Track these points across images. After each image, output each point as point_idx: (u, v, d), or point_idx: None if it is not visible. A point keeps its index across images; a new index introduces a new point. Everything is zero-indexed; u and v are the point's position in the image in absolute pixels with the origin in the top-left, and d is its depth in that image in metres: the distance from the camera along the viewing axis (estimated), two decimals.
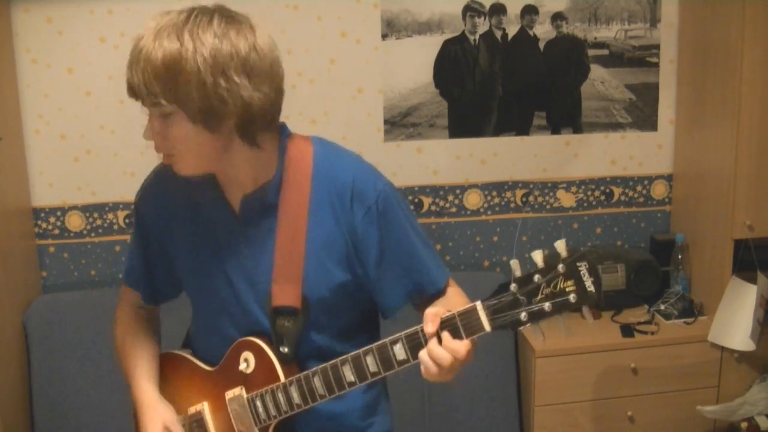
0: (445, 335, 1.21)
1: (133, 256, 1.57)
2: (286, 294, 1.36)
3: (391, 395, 1.59)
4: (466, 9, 2.68)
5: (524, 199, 2.85)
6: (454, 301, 1.39)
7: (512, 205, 2.85)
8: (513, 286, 1.17)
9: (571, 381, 2.49)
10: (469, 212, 2.83)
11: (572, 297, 1.14)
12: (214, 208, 1.40)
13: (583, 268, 1.13)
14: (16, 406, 2.45)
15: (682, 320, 2.62)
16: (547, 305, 1.15)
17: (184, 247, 1.46)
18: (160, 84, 1.20)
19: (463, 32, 2.70)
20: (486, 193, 2.83)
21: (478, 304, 1.19)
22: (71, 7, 2.53)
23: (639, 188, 2.90)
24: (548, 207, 2.87)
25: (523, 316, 1.17)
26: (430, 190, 2.79)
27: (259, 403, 1.40)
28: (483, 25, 2.70)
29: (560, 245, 1.14)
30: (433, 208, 2.80)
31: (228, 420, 1.45)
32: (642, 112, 2.84)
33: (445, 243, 2.83)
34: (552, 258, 1.16)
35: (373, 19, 2.65)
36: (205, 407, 1.48)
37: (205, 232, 1.42)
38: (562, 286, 1.14)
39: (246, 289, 1.40)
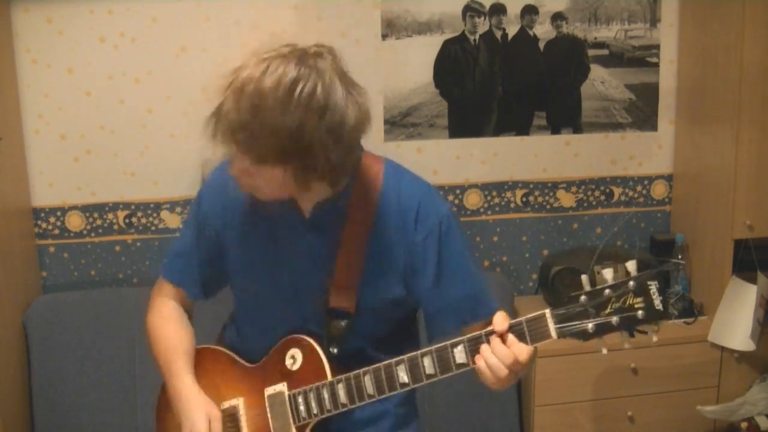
0: (511, 337, 1.24)
1: (185, 249, 1.56)
2: (342, 298, 1.39)
3: None
4: (466, 9, 2.68)
5: (524, 199, 2.85)
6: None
7: (512, 205, 2.85)
8: (583, 298, 1.20)
9: (571, 381, 2.49)
10: (469, 212, 2.83)
11: (640, 313, 1.19)
12: (284, 210, 1.41)
13: (653, 286, 1.18)
14: (16, 406, 2.45)
15: (682, 320, 2.62)
16: (615, 319, 1.20)
17: (243, 241, 1.47)
18: (276, 150, 1.21)
19: (463, 32, 2.70)
20: (486, 193, 2.83)
21: (547, 312, 1.23)
22: (71, 7, 2.53)
23: (639, 188, 2.90)
24: (548, 207, 2.87)
25: (590, 327, 1.21)
26: None
27: (301, 400, 1.41)
28: (483, 25, 2.70)
29: (630, 265, 1.19)
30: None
31: (263, 417, 1.45)
32: (642, 112, 2.84)
33: None
34: (623, 275, 1.20)
35: (373, 19, 2.65)
36: (240, 403, 1.48)
37: (269, 231, 1.44)
38: (631, 302, 1.19)
39: (304, 290, 1.43)
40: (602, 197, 2.88)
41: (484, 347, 1.25)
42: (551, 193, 2.86)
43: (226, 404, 1.50)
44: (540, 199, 2.86)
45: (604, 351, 1.25)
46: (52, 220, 2.67)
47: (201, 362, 1.54)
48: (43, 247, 2.68)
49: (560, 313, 1.21)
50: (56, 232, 2.68)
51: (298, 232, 1.42)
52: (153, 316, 1.58)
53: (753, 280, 2.49)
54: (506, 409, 2.61)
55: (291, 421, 1.41)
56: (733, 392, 2.55)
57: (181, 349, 1.53)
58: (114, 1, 2.54)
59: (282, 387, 1.43)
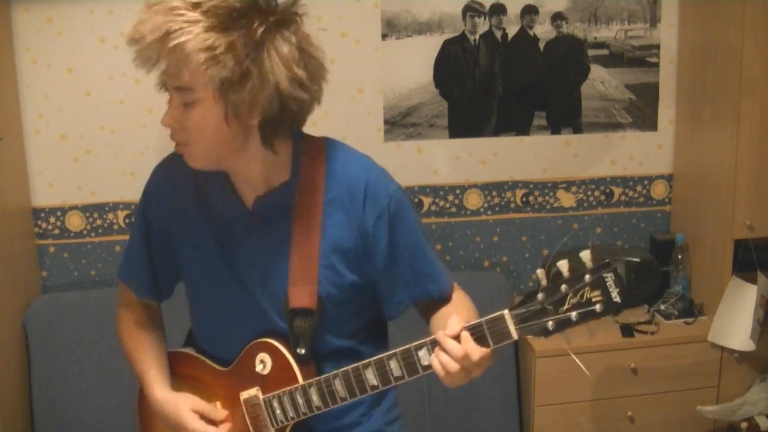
0: (464, 334, 1.22)
1: (134, 247, 1.52)
2: (302, 295, 1.36)
3: None
4: (466, 9, 2.68)
5: (524, 199, 2.85)
6: (462, 307, 1.41)
7: (512, 205, 2.85)
8: (540, 296, 1.19)
9: (571, 381, 2.49)
10: (469, 212, 2.83)
11: (598, 307, 1.16)
12: (227, 206, 1.40)
13: (609, 278, 1.15)
14: (16, 406, 2.45)
15: (682, 320, 2.62)
16: (573, 314, 1.18)
17: (192, 241, 1.44)
18: (197, 69, 1.18)
19: (463, 32, 2.70)
20: (486, 193, 2.83)
21: (506, 313, 1.21)
22: (71, 7, 2.53)
23: (639, 188, 2.90)
24: (548, 207, 2.87)
25: (550, 324, 1.19)
26: (430, 190, 2.79)
27: (276, 405, 1.40)
28: (483, 25, 2.70)
29: (586, 255, 1.17)
30: (433, 208, 2.80)
31: (241, 420, 1.44)
32: (642, 112, 2.84)
33: (445, 243, 2.83)
34: (578, 267, 1.18)
35: (373, 19, 2.65)
36: (217, 407, 1.48)
37: (217, 230, 1.41)
38: (588, 296, 1.17)
39: (261, 291, 1.40)
40: (602, 197, 2.88)
41: (438, 347, 1.24)
42: (551, 193, 2.86)
43: None
44: (540, 199, 2.86)
45: (566, 344, 1.24)
46: (52, 220, 2.67)
47: (174, 367, 1.53)
48: (43, 247, 2.68)
49: (519, 313, 1.20)
50: (56, 232, 2.68)
51: (247, 232, 1.39)
52: (120, 327, 1.57)
53: (753, 280, 2.49)
54: (506, 409, 2.61)
55: (269, 424, 1.41)
56: (733, 392, 2.55)
57: (153, 358, 1.51)
58: (114, 1, 2.54)
59: (256, 391, 1.42)
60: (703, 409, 2.50)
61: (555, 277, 1.19)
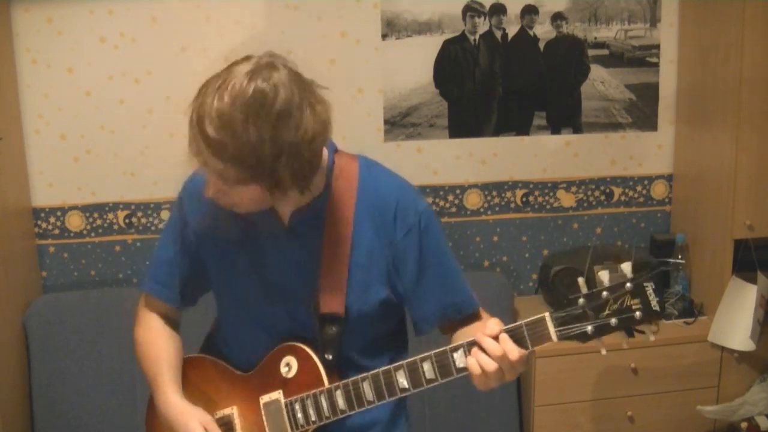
0: (503, 335, 1.25)
1: (166, 256, 1.52)
2: (332, 302, 1.39)
3: None
4: (466, 9, 2.68)
5: (524, 199, 2.85)
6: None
7: (512, 205, 2.85)
8: (581, 301, 1.23)
9: (571, 381, 2.49)
10: (469, 212, 2.83)
11: (638, 314, 1.22)
12: (261, 216, 1.40)
13: (649, 288, 1.22)
14: (16, 406, 2.45)
15: (682, 320, 2.62)
16: (613, 320, 1.23)
17: (224, 249, 1.45)
18: (242, 171, 1.20)
19: (463, 32, 2.70)
20: (486, 193, 2.83)
21: (547, 315, 1.25)
22: (71, 7, 2.53)
23: (639, 188, 2.90)
24: (548, 207, 2.87)
25: (589, 329, 1.24)
26: (430, 190, 2.79)
27: (298, 407, 1.40)
28: (483, 25, 2.70)
29: (626, 267, 1.22)
30: (433, 208, 2.80)
31: (258, 425, 1.44)
32: (642, 112, 2.84)
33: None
34: (619, 277, 1.23)
35: (373, 19, 2.65)
36: (234, 411, 1.47)
37: (249, 238, 1.42)
38: (628, 303, 1.22)
39: (291, 297, 1.42)
40: (602, 197, 2.88)
41: (476, 347, 1.26)
42: (551, 193, 2.86)
43: (220, 413, 1.49)
44: (540, 199, 2.86)
45: (604, 352, 1.28)
46: (52, 220, 2.67)
47: (190, 372, 1.53)
48: (43, 247, 2.68)
49: (560, 316, 1.24)
50: (56, 232, 2.68)
51: (280, 240, 1.41)
52: (139, 330, 1.56)
53: (753, 280, 2.49)
54: (506, 409, 2.61)
55: (288, 428, 1.41)
56: (733, 392, 2.55)
57: (167, 363, 1.50)
58: (114, 1, 2.54)
59: (278, 395, 1.42)
60: (703, 409, 2.50)
61: (596, 285, 1.24)
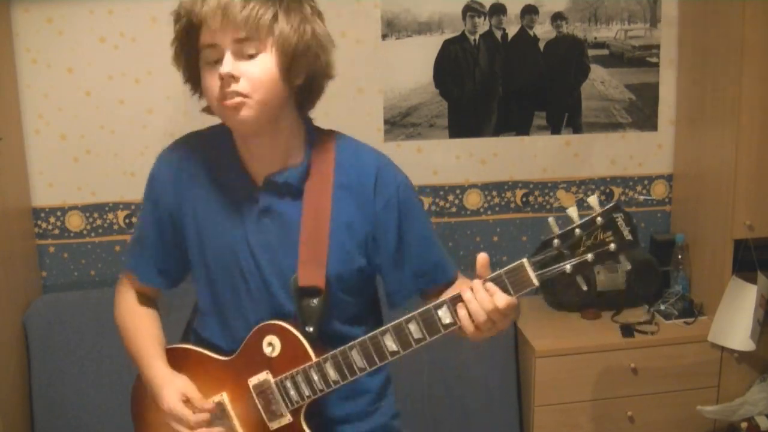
0: (490, 284, 1.26)
1: (140, 234, 1.53)
2: (311, 274, 1.39)
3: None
4: (466, 9, 2.68)
5: (524, 199, 2.85)
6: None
7: (512, 205, 2.85)
8: (556, 242, 1.24)
9: (571, 381, 2.49)
10: (469, 212, 2.83)
11: (612, 246, 1.23)
12: (237, 187, 1.42)
13: (619, 218, 1.23)
14: (16, 406, 2.45)
15: (682, 320, 2.62)
16: (589, 256, 1.23)
17: (202, 226, 1.45)
18: (264, 23, 1.27)
19: (463, 32, 2.70)
20: (486, 193, 2.83)
21: (525, 261, 1.26)
22: (71, 7, 2.53)
23: (639, 188, 2.90)
24: (548, 207, 2.87)
25: (568, 268, 1.24)
26: (430, 190, 2.79)
27: (290, 385, 1.40)
28: (483, 25, 2.70)
29: (593, 200, 1.23)
30: (433, 208, 2.80)
31: (251, 407, 1.44)
32: (642, 112, 2.84)
33: (445, 243, 2.82)
34: (587, 213, 1.24)
35: (373, 19, 2.65)
36: (224, 397, 1.47)
37: (227, 213, 1.43)
38: (601, 237, 1.23)
39: (270, 271, 1.42)
40: (602, 197, 2.88)
41: (467, 294, 1.27)
42: (551, 193, 2.86)
43: (211, 401, 1.47)
44: (540, 199, 2.86)
45: (585, 288, 1.30)
46: (52, 220, 2.67)
47: (173, 363, 1.52)
48: (43, 247, 2.68)
49: (537, 260, 1.25)
50: (56, 232, 2.68)
51: (258, 214, 1.41)
52: (119, 310, 1.57)
53: (753, 280, 2.49)
54: (506, 409, 2.61)
55: (283, 406, 1.41)
56: (733, 392, 2.55)
57: (149, 337, 1.52)
58: (114, 1, 2.54)
59: (266, 375, 1.42)
60: (703, 409, 2.50)
61: (567, 224, 1.25)
